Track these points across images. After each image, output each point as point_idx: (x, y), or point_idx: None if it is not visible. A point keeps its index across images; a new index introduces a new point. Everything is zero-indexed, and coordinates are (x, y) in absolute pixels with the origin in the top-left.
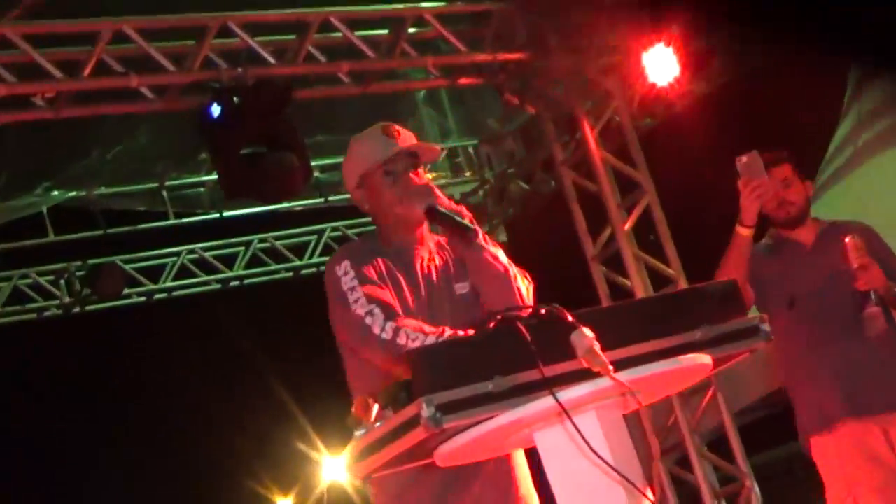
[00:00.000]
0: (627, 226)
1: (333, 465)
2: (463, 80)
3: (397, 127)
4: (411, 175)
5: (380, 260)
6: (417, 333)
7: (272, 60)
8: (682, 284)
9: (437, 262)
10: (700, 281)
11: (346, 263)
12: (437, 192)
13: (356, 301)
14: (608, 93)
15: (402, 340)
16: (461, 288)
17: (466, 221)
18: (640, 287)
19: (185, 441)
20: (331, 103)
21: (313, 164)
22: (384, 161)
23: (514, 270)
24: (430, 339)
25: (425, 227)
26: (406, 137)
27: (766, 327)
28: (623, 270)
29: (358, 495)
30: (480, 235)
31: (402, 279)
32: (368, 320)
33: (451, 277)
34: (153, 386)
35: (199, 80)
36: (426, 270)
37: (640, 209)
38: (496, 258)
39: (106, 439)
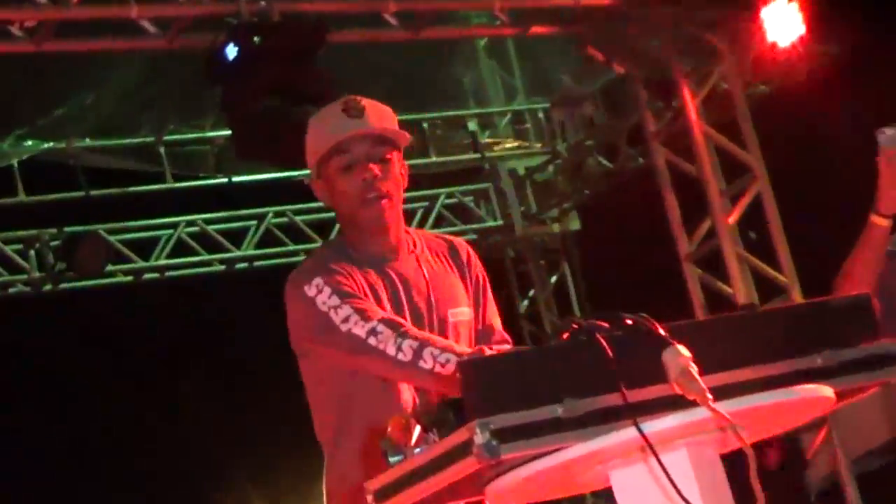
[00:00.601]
0: (732, 219)
1: None
2: (536, 29)
3: (368, 102)
4: (370, 167)
5: (355, 271)
6: (447, 354)
7: None
8: (796, 295)
9: (424, 275)
10: (819, 291)
11: (317, 281)
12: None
13: (346, 319)
14: (715, 52)
15: (427, 364)
16: (455, 316)
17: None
18: (743, 295)
19: (172, 451)
20: (371, 51)
21: None
22: (336, 144)
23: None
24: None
25: (402, 225)
26: (375, 115)
27: None
28: (723, 274)
29: None
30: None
31: (383, 297)
32: (373, 341)
33: (445, 303)
34: (136, 381)
35: (213, 13)
36: (409, 289)
37: (748, 199)
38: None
39: (78, 440)
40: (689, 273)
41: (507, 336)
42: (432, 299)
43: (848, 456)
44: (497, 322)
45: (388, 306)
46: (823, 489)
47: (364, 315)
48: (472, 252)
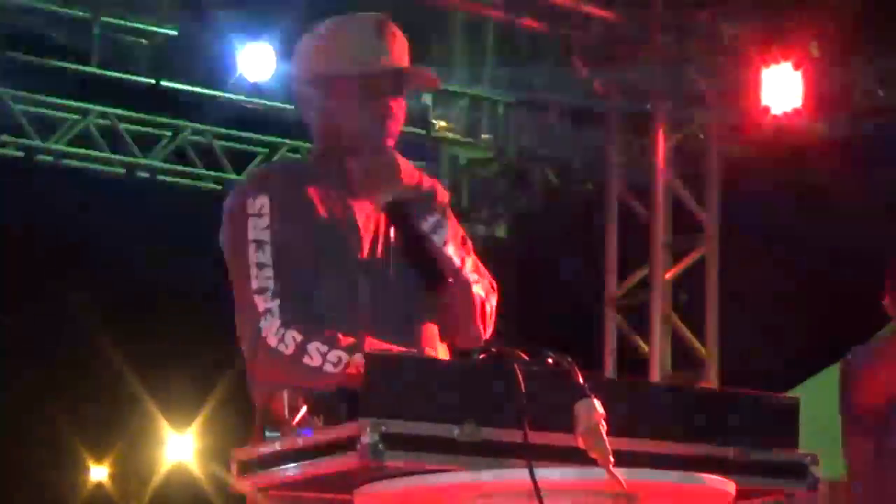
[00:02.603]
0: (670, 275)
1: (180, 444)
2: (527, 22)
3: (396, 28)
4: (391, 104)
5: (314, 190)
6: (337, 352)
7: None
8: (712, 373)
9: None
10: (735, 371)
11: (263, 199)
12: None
13: (258, 277)
14: (702, 99)
15: (313, 362)
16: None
17: (454, 256)
18: (658, 357)
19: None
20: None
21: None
22: (368, 74)
23: (483, 288)
24: (357, 364)
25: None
26: (401, 47)
27: (817, 472)
28: (644, 329)
29: (210, 481)
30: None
31: (341, 220)
32: (263, 322)
33: (394, 251)
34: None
35: None
36: (371, 228)
37: (692, 259)
38: (470, 290)
39: None
40: (609, 317)
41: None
42: (383, 243)
43: None
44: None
45: (346, 235)
46: None
47: (274, 283)
48: (439, 186)
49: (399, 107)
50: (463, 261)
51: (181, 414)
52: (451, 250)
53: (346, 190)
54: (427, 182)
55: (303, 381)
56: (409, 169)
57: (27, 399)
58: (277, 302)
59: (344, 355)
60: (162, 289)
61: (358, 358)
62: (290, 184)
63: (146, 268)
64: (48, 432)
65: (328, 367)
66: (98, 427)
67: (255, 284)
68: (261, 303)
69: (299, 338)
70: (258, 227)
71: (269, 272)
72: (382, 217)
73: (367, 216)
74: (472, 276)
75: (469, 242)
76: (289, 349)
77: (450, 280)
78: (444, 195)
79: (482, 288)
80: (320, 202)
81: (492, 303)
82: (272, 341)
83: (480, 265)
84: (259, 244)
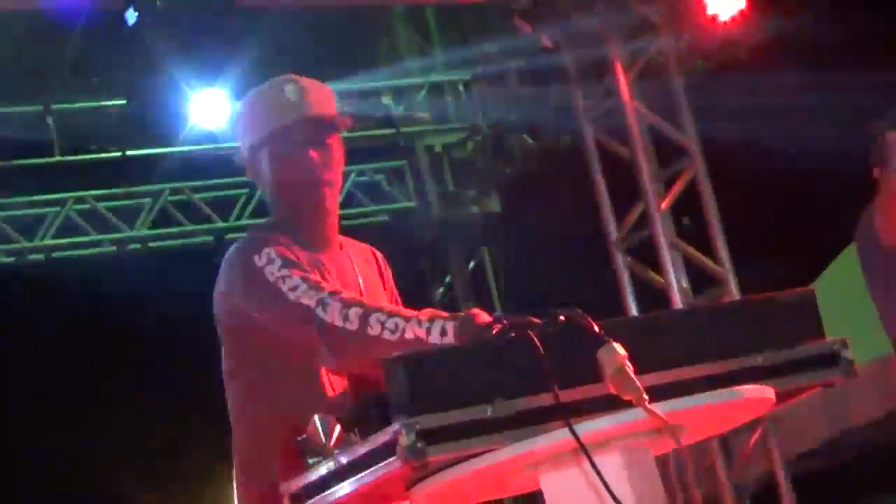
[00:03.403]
0: (666, 205)
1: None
2: None
3: (309, 83)
4: (315, 154)
5: (298, 248)
6: (395, 319)
7: None
8: (732, 286)
9: (357, 273)
10: (756, 281)
11: (267, 251)
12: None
13: (295, 288)
14: (651, 25)
15: (374, 331)
16: None
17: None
18: (676, 286)
19: (50, 454)
20: (277, 22)
21: None
22: (278, 128)
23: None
24: (414, 330)
25: (337, 216)
26: (318, 96)
27: (849, 355)
28: (655, 263)
29: None
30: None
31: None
32: (321, 312)
33: (376, 301)
34: (18, 374)
35: None
36: (345, 283)
37: (683, 183)
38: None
39: None
40: (619, 262)
41: None
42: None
43: (784, 457)
44: None
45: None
46: (758, 491)
47: (313, 285)
48: (386, 263)
49: (327, 154)
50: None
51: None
52: None
53: (312, 249)
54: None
55: (368, 354)
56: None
57: None
58: (327, 293)
59: (401, 322)
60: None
61: (413, 323)
62: (277, 234)
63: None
64: None
65: (386, 335)
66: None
67: (294, 296)
68: (310, 301)
69: (361, 311)
70: (275, 271)
71: (305, 286)
72: (352, 266)
73: (340, 269)
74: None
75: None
76: (353, 325)
77: None
78: (385, 263)
79: None
80: (299, 247)
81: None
82: (338, 322)
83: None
84: (283, 279)
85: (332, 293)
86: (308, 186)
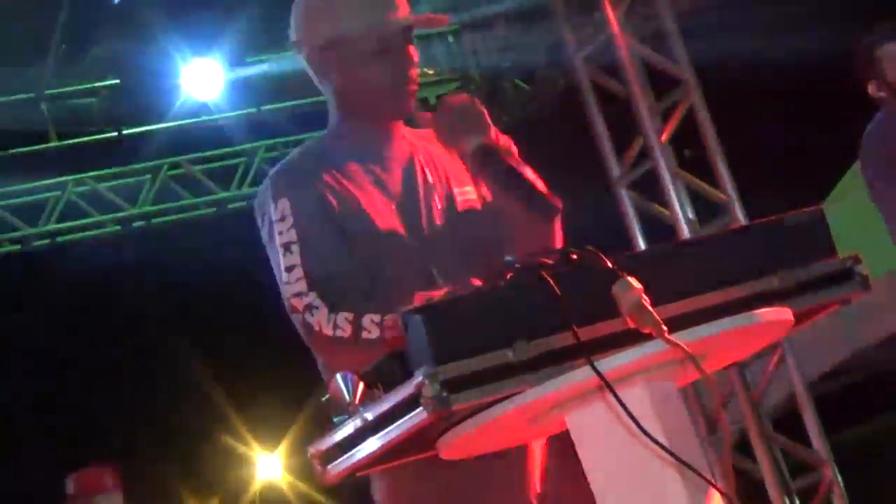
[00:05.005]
0: (665, 137)
1: (268, 464)
2: None
3: None
4: (409, 52)
5: (335, 173)
6: (391, 316)
7: None
8: (738, 212)
9: (421, 160)
10: (761, 206)
11: (284, 203)
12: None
13: (290, 269)
14: None
15: (372, 334)
16: (464, 195)
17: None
18: (682, 217)
19: (68, 442)
20: None
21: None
22: (383, 34)
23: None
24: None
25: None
26: None
27: (862, 270)
28: (660, 196)
29: (297, 498)
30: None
31: (374, 189)
32: (309, 317)
33: (450, 182)
34: (27, 362)
35: None
36: (411, 177)
37: (680, 114)
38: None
39: None
40: (623, 198)
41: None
42: (430, 179)
43: (804, 379)
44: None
45: (382, 201)
46: (779, 416)
47: (309, 278)
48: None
49: (414, 51)
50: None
51: (270, 434)
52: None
53: (374, 153)
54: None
55: (368, 354)
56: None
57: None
58: (315, 294)
59: (398, 316)
60: (233, 311)
61: None
62: (309, 177)
63: (211, 296)
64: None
65: (387, 333)
66: (189, 448)
67: (289, 289)
68: (299, 303)
69: (351, 316)
70: (284, 231)
71: (299, 272)
72: (422, 163)
73: (402, 169)
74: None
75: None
76: (346, 332)
77: (547, 200)
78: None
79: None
80: (349, 183)
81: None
82: (328, 331)
83: None
84: (287, 247)
85: (320, 295)
86: (400, 89)
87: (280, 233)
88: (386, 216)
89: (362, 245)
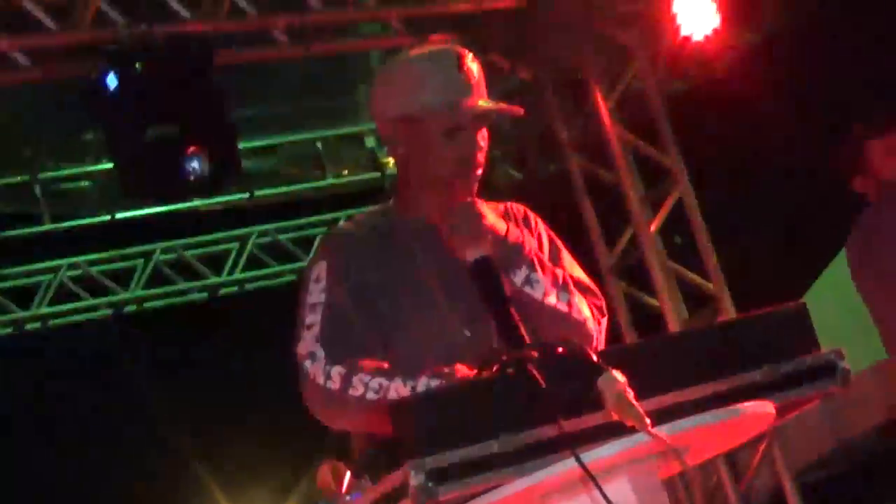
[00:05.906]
0: (654, 226)
1: None
2: (434, 37)
3: (470, 60)
4: (476, 137)
5: (382, 243)
6: (379, 379)
7: (185, 14)
8: (726, 304)
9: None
10: (750, 298)
11: (322, 266)
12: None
13: (309, 329)
14: (627, 50)
15: (356, 392)
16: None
17: (559, 304)
18: (671, 308)
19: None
20: (260, 70)
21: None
22: (454, 117)
23: (591, 306)
24: (398, 389)
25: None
26: (479, 76)
27: (845, 365)
28: (649, 286)
29: None
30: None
31: (420, 264)
32: (308, 364)
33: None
34: (22, 445)
35: (90, 40)
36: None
37: (670, 204)
38: (584, 328)
39: None
40: (613, 287)
41: (590, 284)
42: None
43: (790, 469)
44: (577, 272)
45: (425, 276)
46: None
47: (322, 335)
48: (531, 212)
49: (483, 137)
50: (570, 303)
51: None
52: (552, 300)
53: (428, 229)
54: (514, 229)
55: (351, 414)
56: (495, 217)
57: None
58: (320, 345)
59: (385, 381)
60: (225, 396)
61: (397, 382)
62: (355, 244)
63: (202, 381)
64: None
65: (370, 395)
66: None
67: (302, 344)
68: (304, 351)
69: (344, 371)
70: (315, 293)
71: (316, 330)
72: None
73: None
74: (583, 313)
75: (562, 248)
76: (335, 384)
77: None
78: (535, 219)
79: (588, 308)
80: (387, 244)
81: (600, 320)
82: (319, 380)
83: (579, 271)
84: (313, 307)
85: (328, 347)
86: (465, 170)
87: (311, 293)
88: (425, 294)
89: (391, 321)
